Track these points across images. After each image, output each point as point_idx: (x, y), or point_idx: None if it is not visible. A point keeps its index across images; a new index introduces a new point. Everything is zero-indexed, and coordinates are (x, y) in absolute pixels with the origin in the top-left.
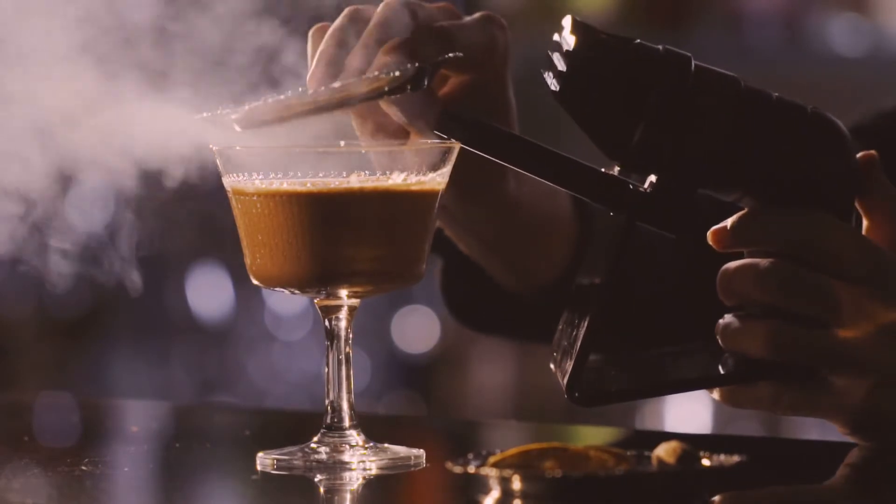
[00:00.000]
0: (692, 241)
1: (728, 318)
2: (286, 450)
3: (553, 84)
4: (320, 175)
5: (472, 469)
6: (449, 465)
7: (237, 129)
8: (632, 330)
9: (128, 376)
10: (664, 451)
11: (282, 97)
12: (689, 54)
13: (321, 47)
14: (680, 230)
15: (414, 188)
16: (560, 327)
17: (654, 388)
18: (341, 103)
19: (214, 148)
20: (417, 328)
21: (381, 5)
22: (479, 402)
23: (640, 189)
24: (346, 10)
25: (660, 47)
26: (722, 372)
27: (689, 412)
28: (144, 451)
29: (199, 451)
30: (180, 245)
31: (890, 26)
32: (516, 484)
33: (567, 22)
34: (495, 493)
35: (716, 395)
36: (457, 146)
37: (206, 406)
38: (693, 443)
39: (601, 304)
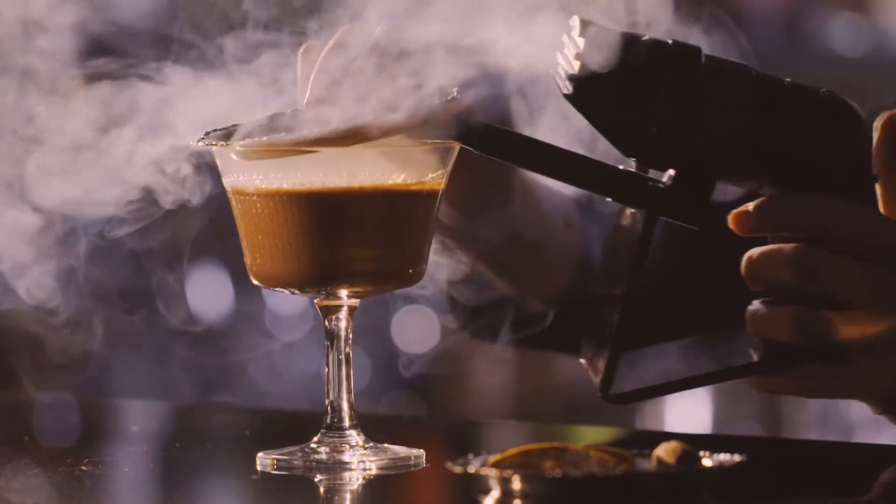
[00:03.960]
0: (714, 232)
1: (755, 304)
2: (286, 450)
3: (565, 87)
4: (320, 175)
5: (472, 469)
6: (449, 465)
7: (235, 157)
8: (659, 325)
9: (128, 376)
10: (664, 451)
11: (286, 135)
12: (698, 46)
13: (314, 73)
14: (701, 222)
15: (414, 188)
16: (589, 327)
17: (687, 382)
18: (349, 141)
19: (214, 148)
20: (417, 328)
21: (378, 30)
22: (479, 402)
23: (660, 184)
24: (338, 32)
25: (669, 41)
26: (753, 360)
27: (689, 412)
28: (144, 451)
29: (199, 451)
30: (180, 245)
31: (890, 26)
32: (516, 484)
33: (574, 23)
34: (495, 493)
35: (747, 382)
36: (457, 146)
37: (206, 406)
38: (693, 443)
39: (629, 302)
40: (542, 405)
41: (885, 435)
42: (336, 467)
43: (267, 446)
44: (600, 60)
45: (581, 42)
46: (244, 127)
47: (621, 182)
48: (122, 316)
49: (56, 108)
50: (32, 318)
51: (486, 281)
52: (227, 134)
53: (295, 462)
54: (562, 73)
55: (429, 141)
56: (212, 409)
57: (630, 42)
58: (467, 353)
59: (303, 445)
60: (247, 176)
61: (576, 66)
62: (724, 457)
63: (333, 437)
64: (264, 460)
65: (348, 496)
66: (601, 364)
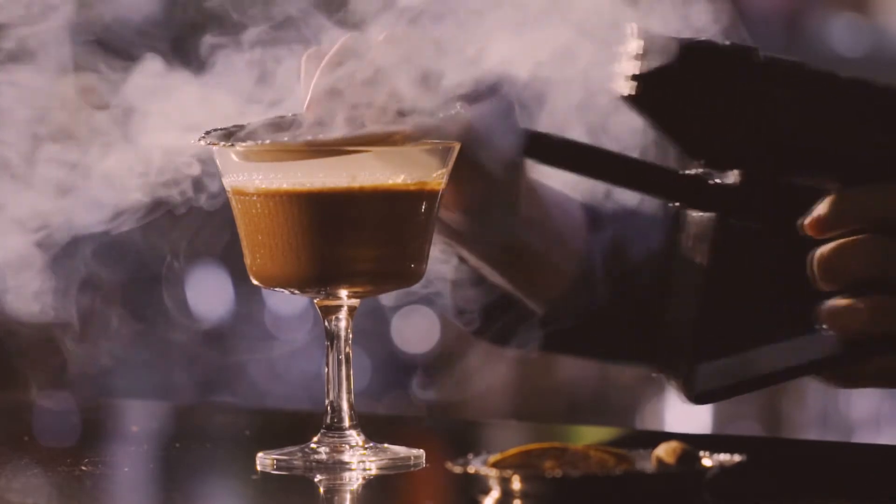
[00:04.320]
0: (780, 230)
1: (831, 301)
2: (286, 450)
3: (627, 89)
4: (320, 175)
5: (472, 469)
6: (449, 465)
7: (235, 158)
8: (731, 330)
9: (128, 376)
10: (664, 451)
11: (287, 138)
12: (755, 45)
13: (316, 77)
14: (769, 221)
15: (414, 188)
16: (659, 334)
17: (771, 378)
18: (353, 146)
19: (214, 148)
20: (417, 328)
21: (382, 39)
22: (479, 402)
23: (728, 185)
24: (342, 39)
25: (726, 42)
26: (832, 354)
27: (689, 412)
28: (144, 451)
29: (199, 451)
30: (180, 245)
31: (890, 26)
32: (516, 484)
33: (631, 29)
34: (495, 493)
35: (827, 380)
36: (457, 146)
37: (206, 406)
38: (693, 443)
39: (706, 304)
40: (542, 405)
41: (885, 435)
42: (336, 467)
43: (267, 446)
44: (661, 61)
45: (640, 44)
46: (247, 128)
47: (689, 186)
48: (123, 316)
49: (57, 106)
50: (33, 320)
51: (486, 280)
52: (227, 134)
53: (295, 462)
54: (620, 77)
55: (429, 141)
56: (212, 409)
57: (690, 44)
58: (467, 353)
59: (303, 445)
60: (247, 176)
61: (637, 68)
62: (724, 457)
63: (333, 437)
64: (264, 460)
65: (348, 496)
66: (682, 367)
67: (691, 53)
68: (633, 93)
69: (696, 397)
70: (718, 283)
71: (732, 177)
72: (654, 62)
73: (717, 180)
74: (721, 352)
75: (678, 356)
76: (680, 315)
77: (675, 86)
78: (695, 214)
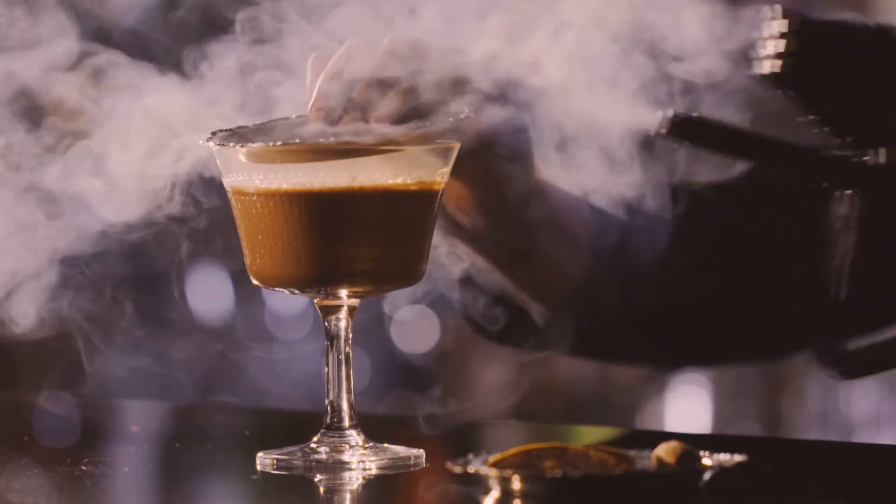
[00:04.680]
0: None
1: None
2: (286, 450)
3: (773, 67)
4: (320, 175)
5: (472, 469)
6: (449, 465)
7: (242, 159)
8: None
9: (128, 376)
10: (664, 451)
11: (299, 139)
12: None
13: (321, 81)
14: None
15: (414, 188)
16: (807, 313)
17: None
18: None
19: (215, 148)
20: (417, 328)
21: (387, 40)
22: (479, 402)
23: (875, 164)
24: (348, 42)
25: (870, 23)
26: None
27: (689, 412)
28: (144, 451)
29: (199, 451)
30: (180, 245)
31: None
32: (516, 484)
33: (774, 11)
34: (495, 493)
35: None
36: (457, 146)
37: (206, 406)
38: (693, 443)
39: (853, 283)
40: (542, 405)
41: (885, 435)
42: (336, 467)
43: (267, 446)
44: (806, 39)
45: (784, 23)
46: (250, 129)
47: (836, 165)
48: (123, 315)
49: (58, 106)
50: (36, 322)
51: (490, 277)
52: (231, 134)
53: (295, 462)
54: (764, 56)
55: (430, 142)
56: (212, 409)
57: (831, 21)
58: (467, 353)
59: (303, 445)
60: (247, 176)
61: (782, 46)
62: (724, 457)
63: (333, 437)
64: (264, 460)
65: (348, 496)
66: (827, 345)
67: (835, 31)
68: (779, 71)
69: (846, 374)
70: (865, 261)
71: (879, 155)
72: (800, 40)
73: (864, 159)
74: (869, 328)
75: (827, 334)
76: (828, 294)
77: (820, 63)
78: (841, 194)
